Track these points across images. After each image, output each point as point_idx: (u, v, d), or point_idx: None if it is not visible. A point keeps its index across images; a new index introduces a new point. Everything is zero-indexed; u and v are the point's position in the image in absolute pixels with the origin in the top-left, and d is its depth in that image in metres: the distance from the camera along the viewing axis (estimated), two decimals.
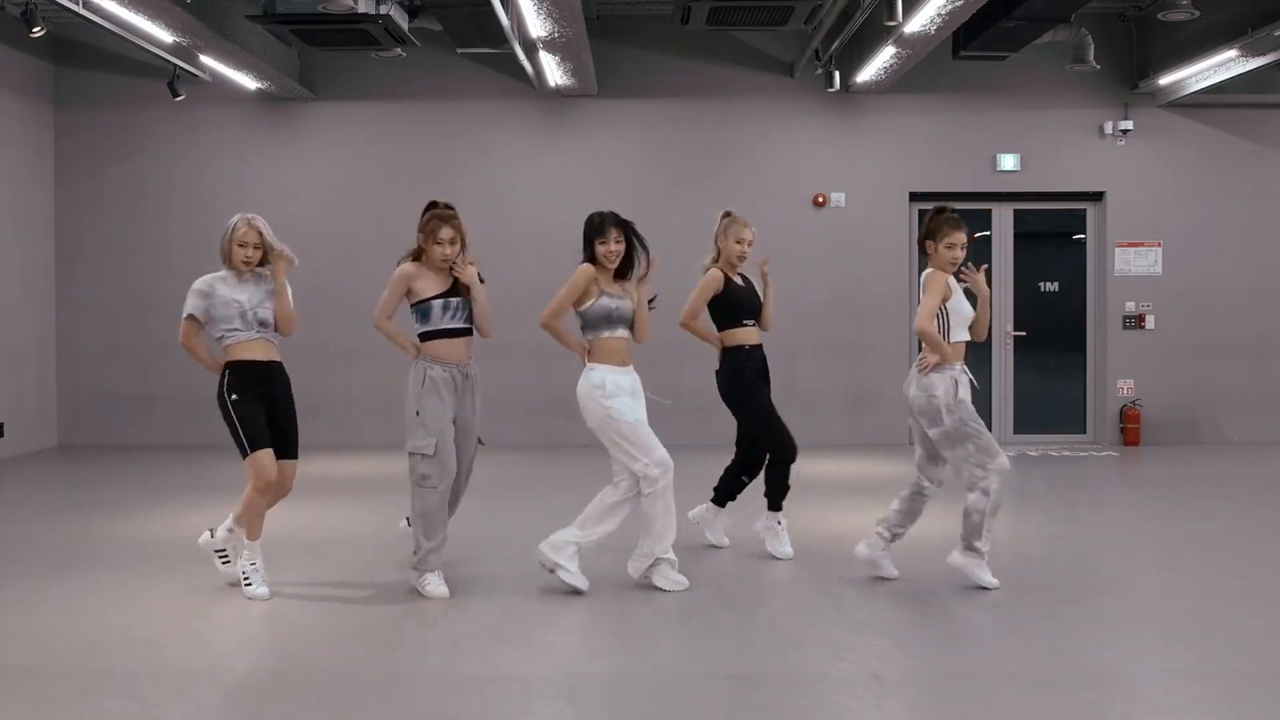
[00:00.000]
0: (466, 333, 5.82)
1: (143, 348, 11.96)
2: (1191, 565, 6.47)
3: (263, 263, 5.77)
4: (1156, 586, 5.97)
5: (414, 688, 4.43)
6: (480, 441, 5.95)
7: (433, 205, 5.83)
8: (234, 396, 5.61)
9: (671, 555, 5.78)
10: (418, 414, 5.63)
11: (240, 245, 5.65)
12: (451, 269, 5.74)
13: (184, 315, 5.68)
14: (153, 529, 7.49)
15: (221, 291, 5.67)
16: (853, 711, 4.16)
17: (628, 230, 5.79)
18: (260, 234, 5.68)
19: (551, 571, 5.71)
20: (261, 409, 5.67)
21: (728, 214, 6.63)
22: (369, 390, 11.82)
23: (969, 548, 5.72)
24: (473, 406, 5.83)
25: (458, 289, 5.79)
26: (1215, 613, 5.42)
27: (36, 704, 4.22)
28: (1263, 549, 6.88)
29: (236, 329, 5.66)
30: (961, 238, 5.75)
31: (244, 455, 5.64)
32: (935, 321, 5.69)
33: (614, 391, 5.67)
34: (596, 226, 5.75)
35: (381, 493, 8.83)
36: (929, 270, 5.84)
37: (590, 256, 5.77)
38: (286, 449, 5.77)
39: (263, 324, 5.71)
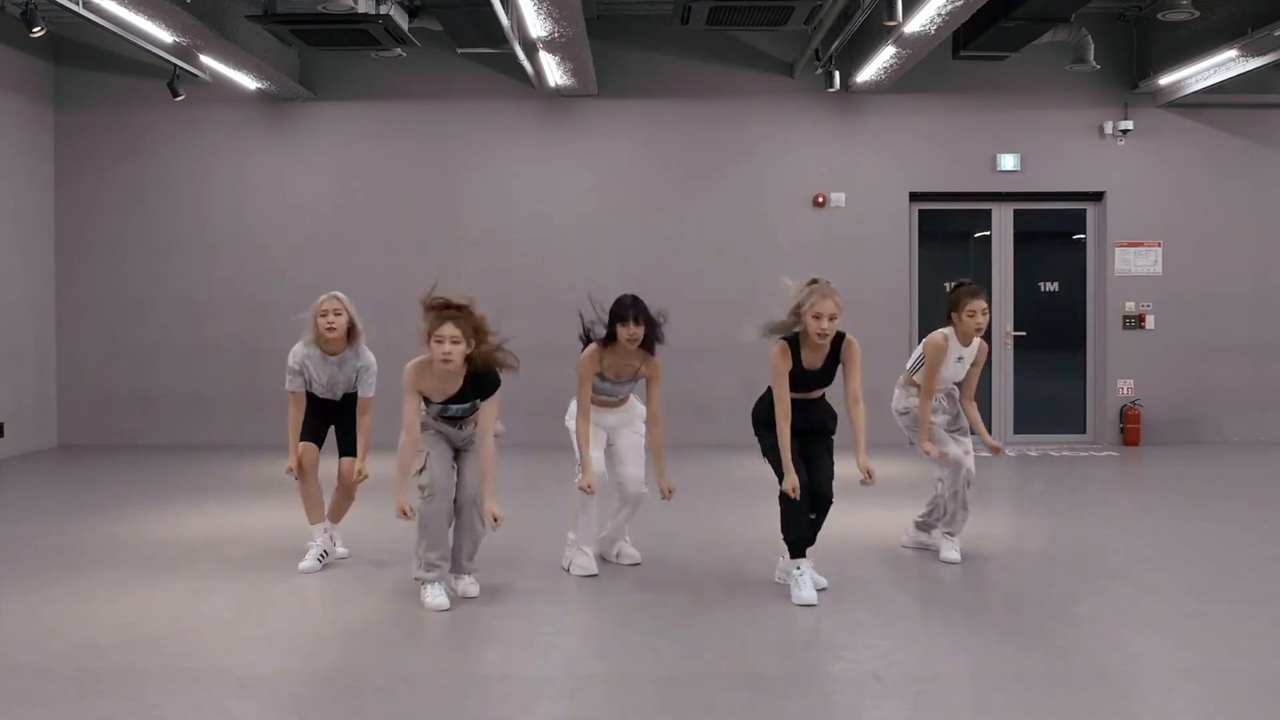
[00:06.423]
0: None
1: (142, 348, 11.97)
2: (1191, 565, 6.47)
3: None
4: (1156, 586, 5.97)
5: (415, 688, 4.43)
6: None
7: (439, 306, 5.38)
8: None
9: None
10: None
11: (322, 315, 6.14)
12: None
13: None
14: (153, 529, 7.49)
15: (310, 370, 6.26)
16: (853, 711, 4.16)
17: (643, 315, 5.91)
18: (341, 304, 6.25)
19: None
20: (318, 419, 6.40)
21: (813, 281, 5.69)
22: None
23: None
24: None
25: (462, 395, 5.48)
26: (1215, 613, 5.42)
27: (36, 704, 4.21)
28: (1263, 549, 6.89)
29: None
30: (982, 304, 6.23)
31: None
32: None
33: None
34: (617, 314, 5.88)
35: (385, 493, 8.81)
36: (930, 339, 6.33)
37: (611, 336, 5.91)
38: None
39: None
